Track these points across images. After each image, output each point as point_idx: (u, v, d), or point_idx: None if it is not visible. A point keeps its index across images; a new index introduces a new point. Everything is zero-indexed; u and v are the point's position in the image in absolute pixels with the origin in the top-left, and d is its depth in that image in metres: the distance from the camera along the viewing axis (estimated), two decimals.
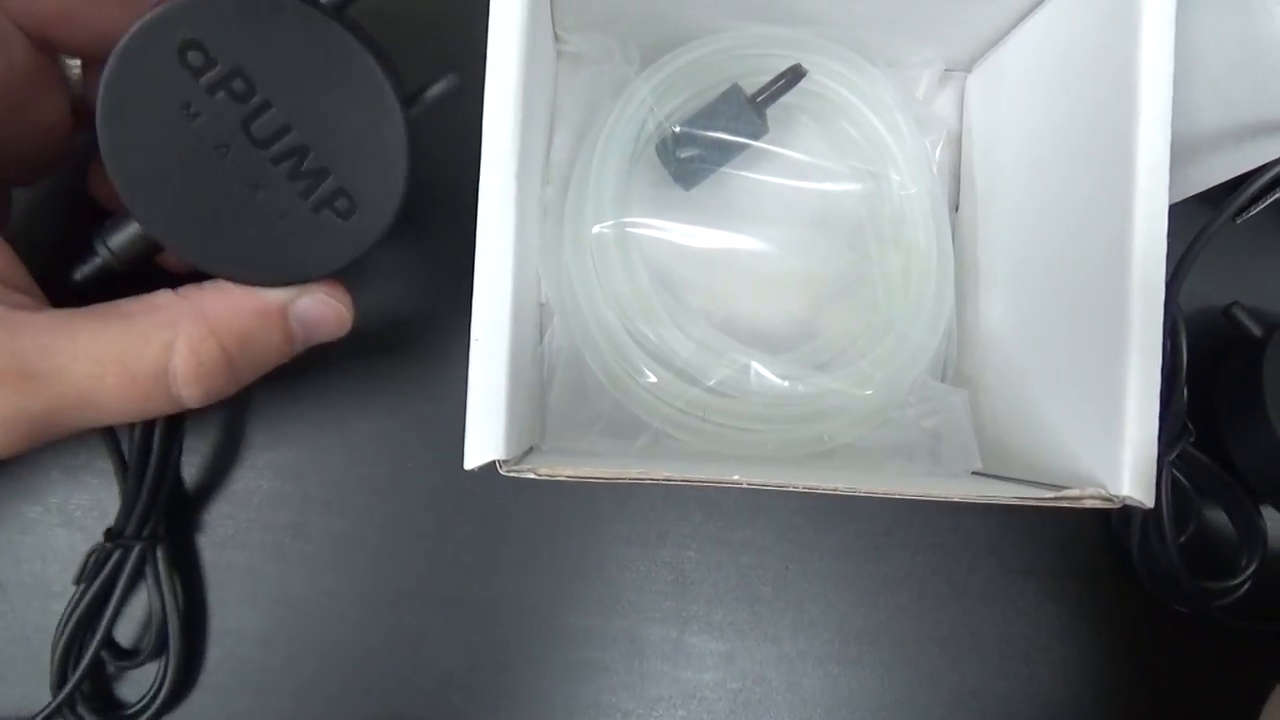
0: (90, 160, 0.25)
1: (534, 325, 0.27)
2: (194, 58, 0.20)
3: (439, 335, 0.30)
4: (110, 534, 0.27)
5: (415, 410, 0.30)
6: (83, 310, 0.21)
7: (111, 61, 0.20)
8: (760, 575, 0.30)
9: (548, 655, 0.30)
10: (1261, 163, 0.25)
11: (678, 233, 0.28)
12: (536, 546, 0.30)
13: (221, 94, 0.20)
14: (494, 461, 0.20)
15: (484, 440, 0.20)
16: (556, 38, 0.29)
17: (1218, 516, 0.31)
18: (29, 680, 0.29)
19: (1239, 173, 0.27)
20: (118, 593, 0.27)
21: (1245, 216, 0.26)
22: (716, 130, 0.27)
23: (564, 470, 0.21)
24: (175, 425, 0.28)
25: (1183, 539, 0.29)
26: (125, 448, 0.28)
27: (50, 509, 0.29)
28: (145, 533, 0.27)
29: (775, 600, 0.30)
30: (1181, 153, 0.22)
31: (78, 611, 0.27)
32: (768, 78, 0.28)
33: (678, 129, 0.28)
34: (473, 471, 0.20)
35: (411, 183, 0.21)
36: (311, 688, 0.29)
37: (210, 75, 0.20)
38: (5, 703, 0.29)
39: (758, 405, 0.27)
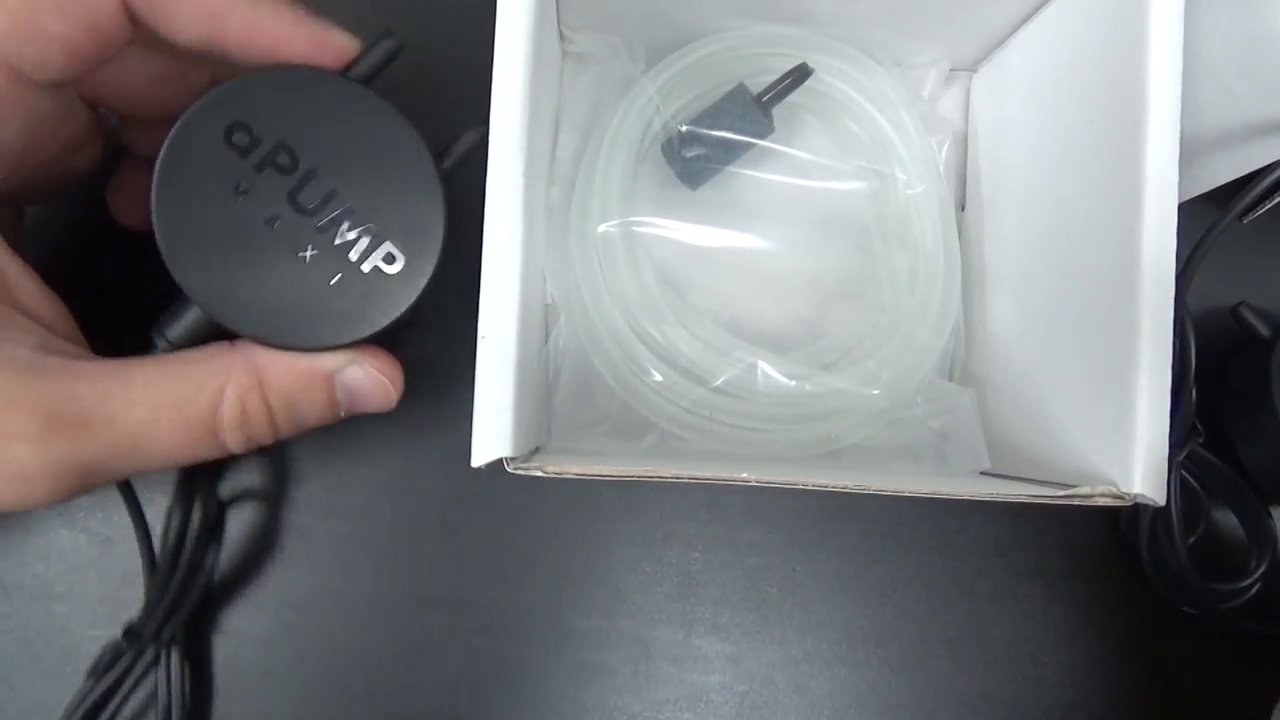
0: (109, 177, 0.26)
1: (540, 325, 0.26)
2: (239, 138, 0.21)
3: (443, 336, 0.30)
4: (129, 634, 0.27)
5: (419, 411, 0.30)
6: (136, 358, 0.21)
7: (164, 152, 0.21)
8: (767, 577, 0.30)
9: (553, 658, 0.30)
10: (1268, 161, 0.25)
11: (684, 232, 0.28)
12: (541, 549, 0.30)
13: (268, 169, 0.21)
14: (501, 459, 0.20)
15: (491, 437, 0.20)
16: (562, 37, 0.29)
17: (1227, 518, 0.31)
18: (32, 682, 0.28)
19: (1245, 172, 0.27)
20: (122, 692, 0.27)
21: (1252, 216, 0.26)
22: (722, 129, 0.27)
23: (571, 468, 0.21)
24: (214, 530, 0.28)
25: (1192, 540, 0.29)
26: (157, 541, 0.27)
27: (54, 510, 0.29)
28: (164, 635, 0.27)
29: (782, 602, 0.30)
30: (1186, 152, 0.22)
31: (85, 704, 0.26)
32: (773, 77, 0.28)
33: (683, 128, 0.28)
34: (477, 473, 0.20)
35: (449, 235, 0.22)
36: (315, 690, 0.29)
37: (257, 153, 0.21)
38: (9, 705, 0.28)
39: (764, 405, 0.27)
